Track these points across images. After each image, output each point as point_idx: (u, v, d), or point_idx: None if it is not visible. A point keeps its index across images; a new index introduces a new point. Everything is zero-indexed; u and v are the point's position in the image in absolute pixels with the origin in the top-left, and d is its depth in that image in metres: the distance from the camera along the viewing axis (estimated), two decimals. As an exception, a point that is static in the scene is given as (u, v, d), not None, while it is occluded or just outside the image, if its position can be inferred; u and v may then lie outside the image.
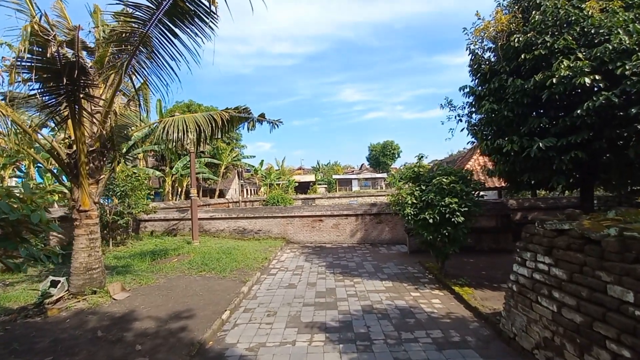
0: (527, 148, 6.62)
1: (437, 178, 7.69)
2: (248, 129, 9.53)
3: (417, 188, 8.06)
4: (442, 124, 8.96)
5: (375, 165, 66.27)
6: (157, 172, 22.03)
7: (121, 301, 7.10)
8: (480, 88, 7.94)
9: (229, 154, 28.71)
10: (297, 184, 49.15)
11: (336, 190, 50.57)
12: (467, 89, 8.14)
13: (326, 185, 54.85)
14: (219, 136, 9.20)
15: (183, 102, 29.12)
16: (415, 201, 7.87)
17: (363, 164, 79.68)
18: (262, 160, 37.53)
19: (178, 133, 7.93)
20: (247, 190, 51.14)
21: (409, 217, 7.89)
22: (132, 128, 8.06)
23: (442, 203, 7.41)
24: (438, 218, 7.47)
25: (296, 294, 7.66)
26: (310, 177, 58.98)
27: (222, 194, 34.97)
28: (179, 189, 25.18)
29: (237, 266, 9.82)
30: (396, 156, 64.23)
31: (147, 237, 15.15)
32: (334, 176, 57.08)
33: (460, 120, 8.87)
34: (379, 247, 13.52)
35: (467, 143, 8.56)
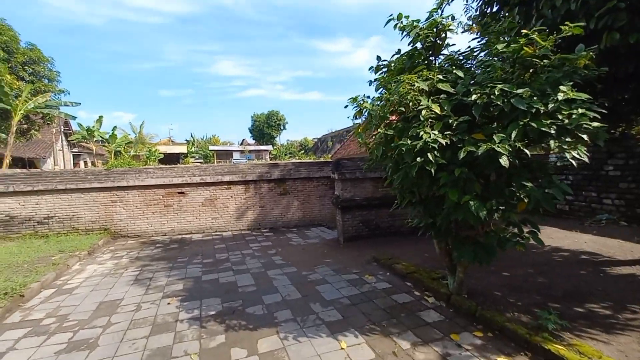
0: None
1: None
2: None
3: (440, 75, 2.85)
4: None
5: (259, 138, 59.91)
6: None
7: None
8: None
9: (29, 98, 17.62)
10: (162, 156, 38.49)
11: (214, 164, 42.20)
12: None
13: (202, 160, 45.64)
14: None
15: None
16: (443, 110, 2.67)
17: (244, 139, 71.84)
18: (101, 117, 26.06)
19: None
20: (86, 162, 37.42)
21: (432, 156, 2.64)
22: None
23: (557, 96, 2.46)
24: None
25: None
26: (181, 149, 48.16)
27: (29, 165, 22.85)
28: None
29: None
30: (282, 128, 59.49)
31: None
32: (211, 147, 48.08)
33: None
34: (287, 234, 8.15)
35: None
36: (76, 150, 35.28)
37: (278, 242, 7.31)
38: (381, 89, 3.34)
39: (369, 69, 3.72)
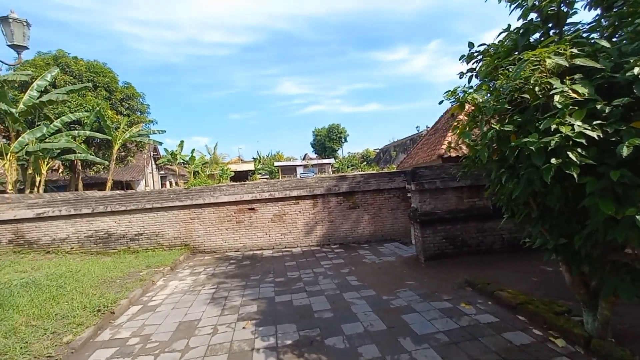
0: None
1: None
2: None
3: (574, 49, 2.14)
4: None
5: (321, 151, 60.89)
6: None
7: None
8: None
9: (126, 129, 20.32)
10: (233, 174, 41.41)
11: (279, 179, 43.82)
12: None
13: (268, 176, 47.91)
14: None
15: (50, 52, 19.89)
16: (584, 94, 1.94)
17: (307, 154, 73.70)
18: (182, 141, 29.20)
19: None
20: (171, 182, 41.93)
21: (575, 155, 1.94)
22: None
23: None
24: None
25: None
26: (249, 166, 51.33)
27: (126, 187, 26.19)
28: (36, 177, 16.43)
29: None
30: (343, 140, 59.75)
31: None
32: (276, 163, 50.26)
33: None
34: (358, 250, 7.63)
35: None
36: (163, 172, 39.61)
37: (350, 259, 6.84)
38: (485, 77, 2.71)
39: (460, 59, 3.13)
